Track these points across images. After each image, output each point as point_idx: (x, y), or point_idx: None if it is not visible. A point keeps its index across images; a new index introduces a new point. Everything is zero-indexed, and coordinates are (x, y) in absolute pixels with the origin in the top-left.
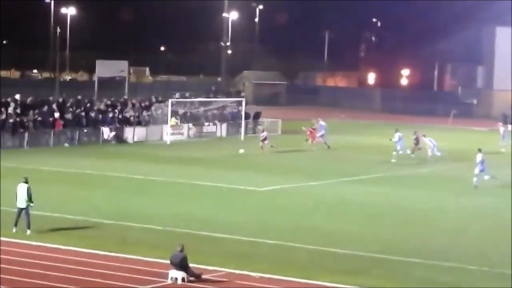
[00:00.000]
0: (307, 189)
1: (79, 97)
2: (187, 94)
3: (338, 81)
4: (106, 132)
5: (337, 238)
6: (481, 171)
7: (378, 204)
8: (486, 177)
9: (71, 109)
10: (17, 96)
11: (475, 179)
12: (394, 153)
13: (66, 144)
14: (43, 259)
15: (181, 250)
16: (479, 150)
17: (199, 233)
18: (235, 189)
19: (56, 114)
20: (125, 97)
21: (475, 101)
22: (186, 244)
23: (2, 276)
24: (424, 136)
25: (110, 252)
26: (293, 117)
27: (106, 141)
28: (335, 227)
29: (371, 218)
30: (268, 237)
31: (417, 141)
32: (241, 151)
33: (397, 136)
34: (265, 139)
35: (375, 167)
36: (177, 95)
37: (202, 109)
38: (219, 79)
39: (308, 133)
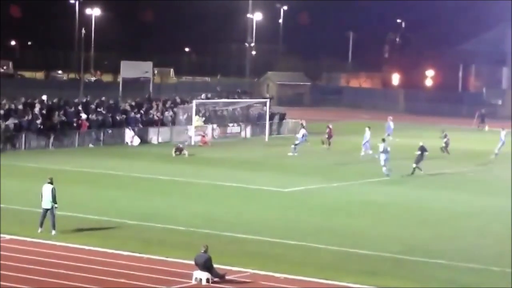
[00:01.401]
0: (330, 190)
1: (103, 98)
2: (209, 95)
3: (362, 82)
4: (129, 137)
5: (359, 239)
6: (385, 160)
7: (400, 205)
8: (384, 169)
9: (96, 110)
10: (44, 97)
11: (384, 168)
12: (293, 146)
13: (90, 145)
14: (68, 259)
15: (205, 251)
16: (383, 140)
17: (222, 234)
18: (259, 190)
19: (81, 115)
20: (149, 97)
21: (500, 102)
22: (210, 244)
23: (27, 276)
24: (369, 128)
25: (134, 252)
26: (317, 118)
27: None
28: (357, 228)
29: (393, 219)
30: (291, 238)
31: (329, 135)
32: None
33: (301, 132)
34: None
35: (397, 168)
36: (203, 95)
37: (230, 109)
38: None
39: (201, 137)
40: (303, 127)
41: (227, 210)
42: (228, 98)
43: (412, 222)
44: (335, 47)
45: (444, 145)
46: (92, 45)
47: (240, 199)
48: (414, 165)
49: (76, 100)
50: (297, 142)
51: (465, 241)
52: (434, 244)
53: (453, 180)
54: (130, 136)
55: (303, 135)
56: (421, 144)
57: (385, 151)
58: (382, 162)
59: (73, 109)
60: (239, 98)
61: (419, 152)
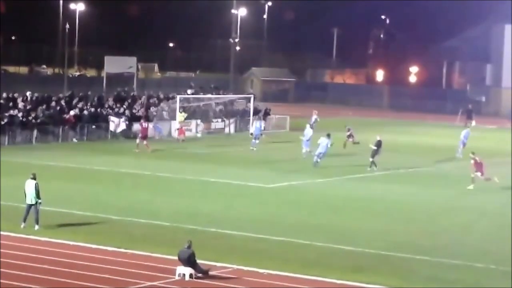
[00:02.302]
0: (315, 186)
1: (89, 92)
2: (189, 91)
3: (346, 78)
4: (113, 125)
5: (344, 235)
6: (320, 153)
7: (385, 201)
8: (315, 158)
9: (79, 105)
10: (28, 93)
11: (315, 157)
12: (254, 141)
13: (74, 140)
14: (51, 254)
15: (189, 247)
16: (328, 136)
17: (207, 230)
18: (243, 185)
19: (65, 110)
20: (134, 93)
21: (483, 99)
22: (194, 240)
23: (8, 271)
24: (309, 125)
25: (118, 248)
26: (302, 114)
27: (114, 135)
28: (342, 224)
29: (378, 215)
30: (276, 234)
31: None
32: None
33: (254, 125)
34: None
35: (382, 165)
36: (189, 91)
37: (202, 105)
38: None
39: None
40: (260, 119)
41: (211, 206)
42: (201, 94)
43: (397, 219)
44: (319, 43)
45: (348, 139)
46: (76, 40)
47: (224, 194)
48: (370, 159)
49: (60, 95)
50: (255, 136)
51: (449, 237)
52: (419, 240)
53: (437, 176)
54: (115, 122)
55: (255, 128)
56: (378, 138)
57: (325, 146)
58: (317, 152)
59: (54, 103)
60: (212, 93)
61: (375, 147)
